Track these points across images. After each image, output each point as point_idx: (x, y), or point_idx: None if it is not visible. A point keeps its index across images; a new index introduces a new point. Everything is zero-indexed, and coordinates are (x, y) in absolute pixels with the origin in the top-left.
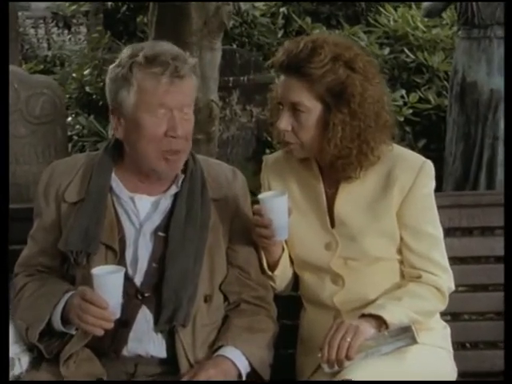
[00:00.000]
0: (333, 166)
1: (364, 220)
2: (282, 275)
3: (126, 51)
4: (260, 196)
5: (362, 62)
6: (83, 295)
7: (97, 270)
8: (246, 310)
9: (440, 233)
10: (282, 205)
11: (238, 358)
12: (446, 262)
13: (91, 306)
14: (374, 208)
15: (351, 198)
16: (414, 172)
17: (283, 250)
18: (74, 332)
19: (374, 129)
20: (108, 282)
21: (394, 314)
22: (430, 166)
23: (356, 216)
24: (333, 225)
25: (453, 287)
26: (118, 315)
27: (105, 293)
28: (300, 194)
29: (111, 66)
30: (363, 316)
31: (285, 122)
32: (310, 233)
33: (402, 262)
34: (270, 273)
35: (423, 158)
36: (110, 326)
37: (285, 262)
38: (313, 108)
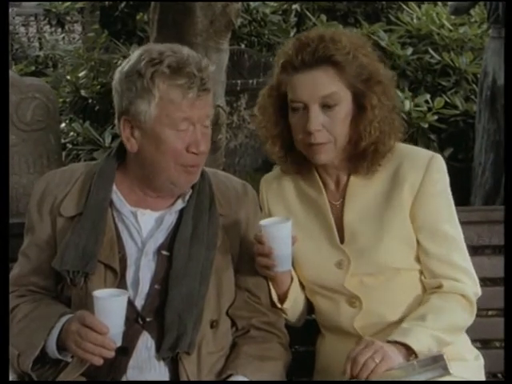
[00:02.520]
0: (362, 155)
1: (375, 228)
2: (293, 307)
3: (140, 55)
4: (261, 222)
5: (369, 47)
6: (82, 320)
7: (99, 293)
8: (256, 336)
9: (459, 232)
10: (284, 232)
11: None
12: (468, 265)
13: (91, 331)
14: (385, 213)
15: (359, 206)
16: (421, 168)
17: (292, 280)
18: (69, 359)
19: (394, 108)
20: (111, 307)
21: (422, 341)
22: (439, 160)
23: (366, 225)
24: (342, 240)
25: (479, 292)
26: (119, 343)
27: (107, 318)
28: (303, 212)
29: (121, 70)
30: (389, 342)
31: (315, 122)
32: (317, 252)
33: (421, 273)
34: (279, 305)
35: (431, 153)
36: (111, 354)
37: (295, 293)
38: (345, 97)
